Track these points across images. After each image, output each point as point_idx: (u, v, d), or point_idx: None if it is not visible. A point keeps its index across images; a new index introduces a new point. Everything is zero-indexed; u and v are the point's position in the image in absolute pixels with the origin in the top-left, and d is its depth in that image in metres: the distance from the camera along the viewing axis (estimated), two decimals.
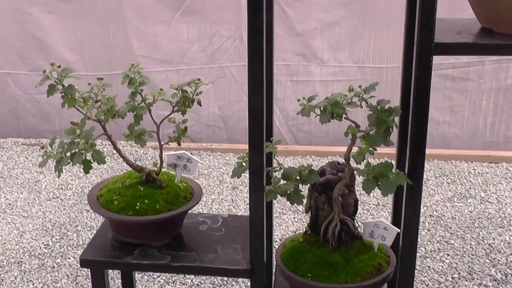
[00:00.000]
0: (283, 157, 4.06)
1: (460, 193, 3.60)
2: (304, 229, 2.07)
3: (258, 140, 1.87)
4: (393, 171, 1.84)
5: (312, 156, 4.12)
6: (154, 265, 2.02)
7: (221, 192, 3.64)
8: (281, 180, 1.93)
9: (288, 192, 1.92)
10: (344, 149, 4.03)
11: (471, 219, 3.31)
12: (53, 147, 2.01)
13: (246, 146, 4.24)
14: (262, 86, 1.83)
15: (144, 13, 4.14)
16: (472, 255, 3.02)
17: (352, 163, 1.96)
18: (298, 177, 1.96)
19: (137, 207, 2.02)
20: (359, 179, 2.06)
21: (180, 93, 2.02)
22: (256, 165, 1.89)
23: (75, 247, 3.14)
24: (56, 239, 3.22)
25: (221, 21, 4.10)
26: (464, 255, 3.01)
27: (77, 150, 1.93)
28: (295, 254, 2.00)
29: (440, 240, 3.14)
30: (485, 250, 3.06)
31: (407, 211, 1.90)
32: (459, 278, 2.85)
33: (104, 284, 2.10)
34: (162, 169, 2.14)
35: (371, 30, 4.07)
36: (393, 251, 2.03)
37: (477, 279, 2.84)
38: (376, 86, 1.91)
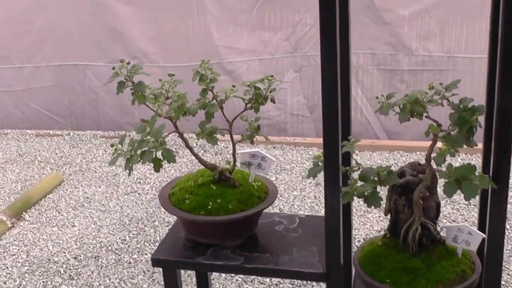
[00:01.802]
0: (370, 152, 4.00)
1: None
2: (383, 232, 2.03)
3: (333, 139, 1.84)
4: (476, 173, 1.78)
5: (400, 152, 4.04)
6: (226, 266, 2.02)
7: (304, 189, 3.61)
8: (358, 181, 1.90)
9: (366, 194, 1.89)
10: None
11: None
12: (123, 145, 2.03)
13: None
14: (336, 81, 1.79)
15: (224, 2, 4.15)
16: None
17: (434, 164, 1.91)
18: (376, 179, 1.92)
19: (209, 207, 2.02)
20: (441, 181, 2.01)
21: (253, 90, 2.00)
22: (331, 166, 1.86)
23: (152, 242, 3.20)
24: (133, 234, 3.28)
25: (304, 9, 4.07)
26: None
27: (147, 148, 1.95)
28: (373, 258, 1.96)
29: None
30: None
31: (492, 216, 1.83)
32: None
33: (176, 284, 2.12)
34: (236, 167, 2.13)
35: (462, 18, 3.95)
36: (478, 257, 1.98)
37: None
38: (458, 83, 1.85)
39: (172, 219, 3.39)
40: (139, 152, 1.98)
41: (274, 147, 4.11)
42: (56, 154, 4.34)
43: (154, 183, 3.81)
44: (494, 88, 1.95)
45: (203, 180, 2.11)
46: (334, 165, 1.86)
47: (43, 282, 2.95)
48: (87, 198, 3.71)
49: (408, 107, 1.87)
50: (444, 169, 1.87)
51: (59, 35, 4.45)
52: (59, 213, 3.55)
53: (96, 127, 4.66)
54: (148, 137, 1.96)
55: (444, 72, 4.03)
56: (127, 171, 2.00)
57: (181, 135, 2.06)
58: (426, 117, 1.89)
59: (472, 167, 1.78)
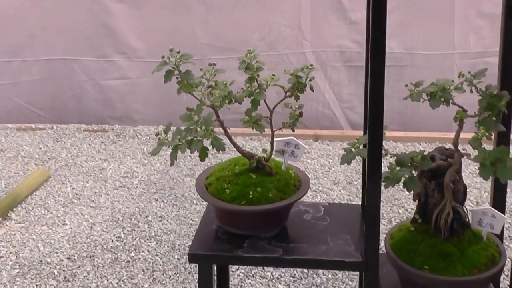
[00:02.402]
0: (340, 142, 3.89)
1: None
2: (413, 217, 1.90)
3: (377, 126, 1.70)
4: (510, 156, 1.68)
5: None
6: (266, 258, 1.82)
7: None
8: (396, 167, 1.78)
9: (404, 178, 1.77)
10: (398, 134, 3.91)
11: None
12: (168, 134, 1.85)
13: (303, 132, 4.05)
14: (383, 71, 1.67)
15: (209, 2, 3.99)
16: None
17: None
18: (410, 163, 1.81)
19: (250, 196, 1.85)
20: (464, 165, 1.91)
21: (295, 79, 1.86)
22: (374, 152, 1.72)
23: (147, 239, 2.88)
24: (127, 230, 2.95)
25: (280, 11, 3.94)
26: None
27: (196, 136, 1.77)
28: (406, 244, 1.81)
29: (509, 227, 2.95)
30: None
31: None
32: None
33: (211, 280, 1.90)
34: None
35: (420, 19, 3.91)
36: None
37: None
38: (486, 71, 1.76)
39: (165, 213, 3.09)
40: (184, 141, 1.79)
41: (251, 139, 3.95)
42: (40, 148, 3.90)
43: (142, 176, 3.50)
44: (508, 76, 1.88)
45: (240, 168, 1.94)
46: (377, 151, 1.73)
47: (36, 285, 2.59)
48: (76, 194, 3.33)
49: (439, 94, 1.77)
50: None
51: (51, 31, 4.17)
52: (48, 211, 3.16)
53: (78, 120, 4.36)
54: (195, 125, 1.77)
55: (404, 68, 3.97)
56: (171, 160, 1.80)
57: (221, 124, 1.89)
58: (452, 103, 1.79)
59: (506, 149, 1.68)
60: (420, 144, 3.81)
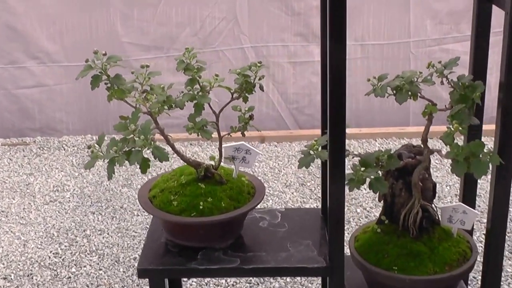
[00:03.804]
0: (289, 142, 3.96)
1: None
2: (379, 218, 1.99)
3: (339, 126, 1.76)
4: (485, 150, 1.77)
5: None
6: (224, 269, 1.89)
7: None
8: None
9: (369, 179, 1.83)
10: (352, 131, 3.99)
11: None
12: (102, 146, 1.87)
13: (249, 134, 4.09)
14: (344, 67, 1.72)
15: None
16: (509, 232, 2.99)
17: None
18: (375, 164, 1.88)
19: (201, 207, 1.90)
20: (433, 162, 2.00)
21: (242, 78, 1.90)
22: (337, 154, 1.78)
23: (88, 253, 2.98)
24: (65, 246, 3.05)
25: (213, 2, 3.97)
26: None
27: (134, 147, 1.80)
28: (373, 246, 1.91)
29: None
30: None
31: (497, 192, 1.83)
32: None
33: None
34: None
35: (370, 6, 4.00)
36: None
37: None
38: (458, 61, 1.84)
39: (104, 226, 3.19)
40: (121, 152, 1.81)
41: (190, 144, 3.98)
42: None
43: (74, 190, 3.56)
44: (480, 66, 1.98)
45: (186, 178, 1.98)
46: (339, 152, 1.79)
47: None
48: (3, 211, 3.39)
49: (406, 88, 1.84)
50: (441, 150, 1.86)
51: None
52: None
53: None
54: (132, 135, 1.80)
55: (354, 60, 4.06)
56: (109, 174, 1.83)
57: (162, 132, 1.92)
58: (420, 97, 1.87)
59: (481, 143, 1.76)
60: (376, 140, 3.93)
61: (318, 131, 4.02)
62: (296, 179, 3.53)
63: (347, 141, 3.82)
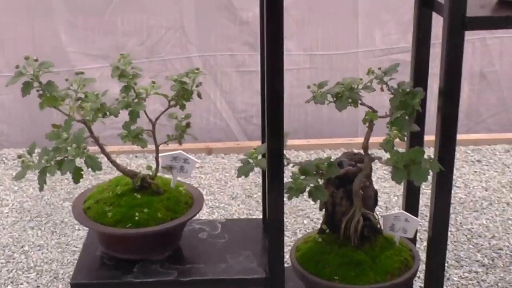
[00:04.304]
0: (236, 154, 3.92)
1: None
2: (320, 228, 1.96)
3: (277, 133, 1.73)
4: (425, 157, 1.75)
5: None
6: (160, 282, 1.85)
7: None
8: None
9: (309, 188, 1.81)
10: (300, 142, 3.98)
11: None
12: (33, 156, 1.81)
13: (196, 146, 4.05)
14: (282, 72, 1.69)
15: (75, 4, 3.91)
16: (455, 241, 2.99)
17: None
18: (315, 172, 1.85)
19: (136, 218, 1.85)
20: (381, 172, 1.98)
21: (179, 85, 1.86)
22: (275, 162, 1.75)
23: (26, 270, 2.85)
24: (1, 263, 2.90)
25: (160, 11, 3.92)
26: (448, 243, 2.97)
27: (66, 156, 1.74)
28: (314, 256, 1.89)
29: (419, 229, 3.09)
30: (466, 236, 3.04)
31: (437, 199, 1.82)
32: (448, 267, 2.80)
33: None
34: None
35: (318, 16, 3.99)
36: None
37: (466, 266, 2.80)
38: (398, 67, 1.83)
39: (44, 241, 3.07)
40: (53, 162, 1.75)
41: (136, 157, 3.91)
42: None
43: (13, 204, 3.43)
44: (421, 73, 1.97)
45: (122, 189, 1.93)
46: (277, 160, 1.76)
47: None
48: None
49: (346, 95, 1.82)
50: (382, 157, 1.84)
51: None
52: None
53: None
54: (65, 144, 1.74)
55: (303, 71, 4.04)
56: (40, 185, 1.76)
57: (96, 141, 1.86)
58: (361, 104, 1.84)
59: (421, 150, 1.75)
60: (324, 152, 3.91)
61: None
62: (243, 191, 3.49)
63: (294, 152, 3.87)
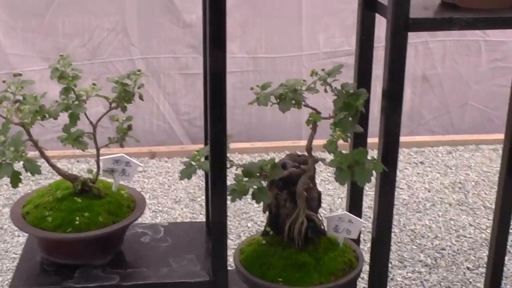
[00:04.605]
0: (180, 157, 3.89)
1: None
2: (264, 230, 1.95)
3: (219, 137, 1.71)
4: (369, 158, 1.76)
5: None
6: (102, 287, 1.80)
7: None
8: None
9: (252, 190, 1.79)
10: (244, 145, 3.97)
11: None
12: None
13: (139, 149, 4.00)
14: (224, 75, 1.68)
15: (14, 5, 3.82)
16: (399, 242, 3.01)
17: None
18: (258, 173, 1.84)
19: (77, 222, 1.80)
20: (317, 172, 1.98)
21: (120, 87, 1.83)
22: (218, 165, 1.74)
23: None
24: None
25: (101, 13, 3.87)
26: (391, 243, 2.99)
27: (4, 160, 1.69)
28: (258, 258, 1.87)
29: (363, 230, 3.11)
30: (409, 236, 3.07)
31: (381, 200, 1.83)
32: (392, 268, 2.82)
33: None
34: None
35: (262, 19, 3.99)
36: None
37: (410, 267, 2.83)
38: (341, 68, 1.83)
39: (4, 247, 3.01)
40: None
41: (77, 161, 3.84)
42: None
43: None
44: (365, 76, 1.98)
45: (62, 193, 1.88)
46: (220, 162, 1.74)
47: None
48: None
49: (289, 96, 1.81)
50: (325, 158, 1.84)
51: None
52: None
53: None
54: (2, 147, 1.69)
55: (246, 73, 4.04)
56: None
57: (35, 144, 1.81)
58: (304, 105, 1.84)
59: (365, 151, 1.75)
60: (268, 155, 3.91)
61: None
62: (186, 195, 3.46)
63: (238, 156, 3.86)
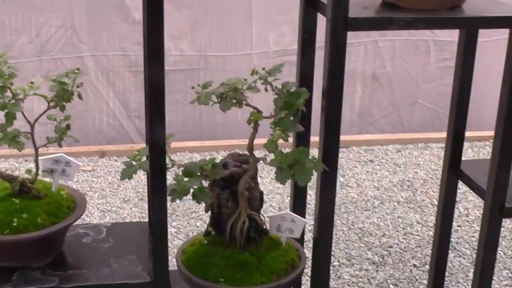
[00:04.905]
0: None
1: None
2: (206, 230, 1.94)
3: (159, 136, 1.70)
4: (310, 158, 1.76)
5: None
6: None
7: None
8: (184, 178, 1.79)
9: (192, 190, 1.78)
10: (194, 144, 3.95)
11: (336, 205, 3.29)
12: None
13: (88, 148, 3.96)
14: (163, 74, 1.66)
15: None
16: (347, 240, 3.03)
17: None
18: (199, 173, 1.83)
19: (15, 224, 1.76)
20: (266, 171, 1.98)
21: (58, 86, 1.80)
22: (157, 164, 1.72)
23: None
24: None
25: (49, 9, 3.82)
26: (339, 242, 3.01)
27: None
28: (200, 258, 1.86)
29: (312, 229, 3.12)
30: (357, 234, 3.09)
31: (322, 199, 1.83)
32: (339, 266, 2.84)
33: None
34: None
35: (212, 17, 3.98)
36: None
37: (357, 264, 2.85)
38: (282, 67, 1.82)
39: None
40: None
41: (26, 161, 3.79)
42: None
43: None
44: (306, 75, 1.98)
45: (1, 194, 1.84)
46: (159, 163, 1.72)
47: None
48: None
49: (230, 95, 1.80)
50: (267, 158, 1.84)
51: None
52: None
53: None
54: None
55: (196, 71, 4.02)
56: None
57: None
58: (246, 104, 1.83)
59: (305, 150, 1.75)
60: (219, 153, 3.90)
61: None
62: (135, 194, 3.44)
63: (188, 154, 3.84)
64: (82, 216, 3.13)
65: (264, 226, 1.90)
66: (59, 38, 3.88)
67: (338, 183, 3.47)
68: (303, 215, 2.06)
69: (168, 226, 3.05)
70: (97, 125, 4.02)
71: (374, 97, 4.33)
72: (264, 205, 3.18)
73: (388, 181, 3.61)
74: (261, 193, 1.92)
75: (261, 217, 1.90)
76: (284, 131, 1.74)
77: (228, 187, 1.87)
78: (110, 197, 3.41)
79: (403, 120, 4.39)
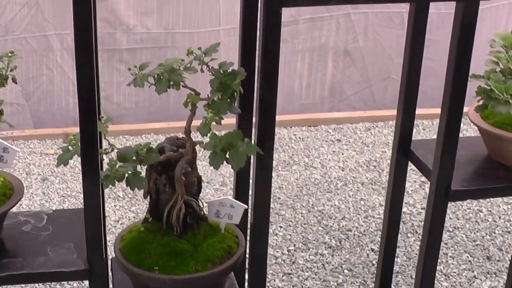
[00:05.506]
0: None
1: (284, 160, 3.54)
2: (145, 216, 1.89)
3: (90, 119, 1.65)
4: (244, 140, 1.71)
5: (126, 136, 3.86)
6: None
7: (30, 186, 3.32)
8: (118, 163, 1.75)
9: (126, 175, 1.73)
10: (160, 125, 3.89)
11: (298, 187, 3.26)
12: None
13: (53, 131, 3.91)
14: (91, 54, 1.62)
15: None
16: (305, 224, 2.98)
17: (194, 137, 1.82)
18: (135, 158, 1.78)
19: None
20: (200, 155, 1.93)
21: None
22: (89, 149, 1.67)
23: None
24: None
25: None
26: (297, 225, 2.96)
27: None
28: (137, 246, 1.80)
29: (271, 212, 3.07)
30: (317, 217, 3.04)
31: (257, 184, 1.79)
32: (295, 250, 2.79)
33: None
34: None
35: None
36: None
37: (313, 249, 2.80)
38: (218, 46, 1.77)
39: None
40: None
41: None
42: None
43: None
44: (249, 53, 1.92)
45: None
46: (92, 148, 1.68)
47: None
48: None
49: (166, 77, 1.75)
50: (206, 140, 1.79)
51: None
52: None
53: None
54: None
55: (164, 49, 3.95)
56: None
57: None
58: (183, 86, 1.78)
59: (239, 133, 1.70)
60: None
61: (127, 127, 3.92)
62: None
63: (154, 136, 3.78)
64: (42, 202, 3.16)
65: (202, 212, 1.86)
66: (23, 17, 3.81)
67: (302, 164, 3.44)
68: (246, 201, 2.01)
69: (127, 211, 3.04)
70: (63, 105, 3.96)
71: (346, 73, 4.25)
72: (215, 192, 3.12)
73: (354, 162, 3.56)
74: (199, 178, 1.87)
75: (199, 202, 1.85)
76: (217, 113, 1.69)
77: (165, 172, 1.82)
78: (71, 181, 3.36)
79: (375, 96, 4.32)
